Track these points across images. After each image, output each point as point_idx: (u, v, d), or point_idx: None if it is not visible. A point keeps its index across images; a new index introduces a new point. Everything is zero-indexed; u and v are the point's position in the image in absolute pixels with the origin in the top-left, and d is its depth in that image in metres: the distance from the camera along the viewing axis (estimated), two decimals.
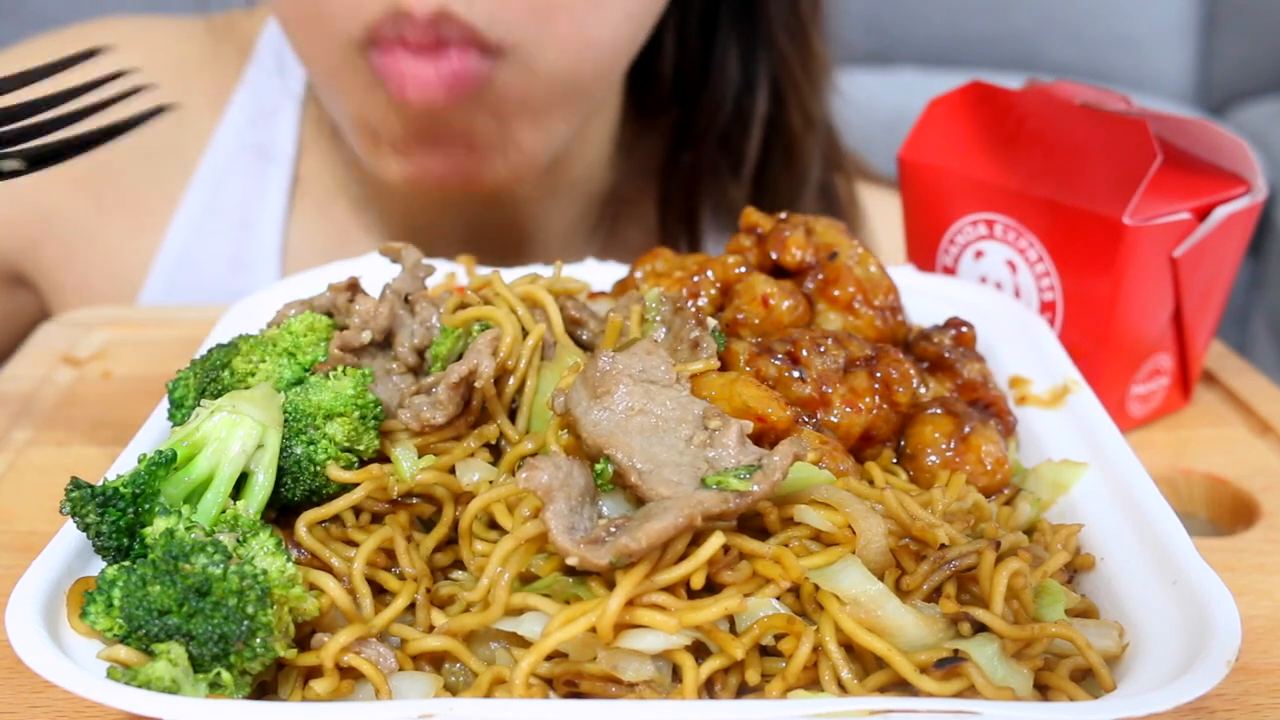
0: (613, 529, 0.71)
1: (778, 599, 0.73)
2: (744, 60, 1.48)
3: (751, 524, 0.76)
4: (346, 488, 0.81)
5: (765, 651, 0.73)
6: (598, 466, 0.75)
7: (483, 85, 1.19)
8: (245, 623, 0.68)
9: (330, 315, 0.94)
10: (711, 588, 0.72)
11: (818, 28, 1.50)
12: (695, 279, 0.98)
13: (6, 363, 1.22)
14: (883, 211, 1.61)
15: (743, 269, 0.99)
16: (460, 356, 0.87)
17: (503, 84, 1.20)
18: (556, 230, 1.53)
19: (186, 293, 1.47)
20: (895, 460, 0.91)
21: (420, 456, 0.83)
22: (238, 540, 0.72)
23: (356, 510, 0.82)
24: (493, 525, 0.79)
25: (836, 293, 0.98)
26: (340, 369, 0.85)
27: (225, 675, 0.68)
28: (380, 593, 0.78)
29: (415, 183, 1.29)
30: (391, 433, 0.84)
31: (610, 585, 0.70)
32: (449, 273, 1.10)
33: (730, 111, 1.49)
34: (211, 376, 0.86)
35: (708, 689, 0.72)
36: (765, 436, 0.82)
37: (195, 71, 1.40)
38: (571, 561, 0.69)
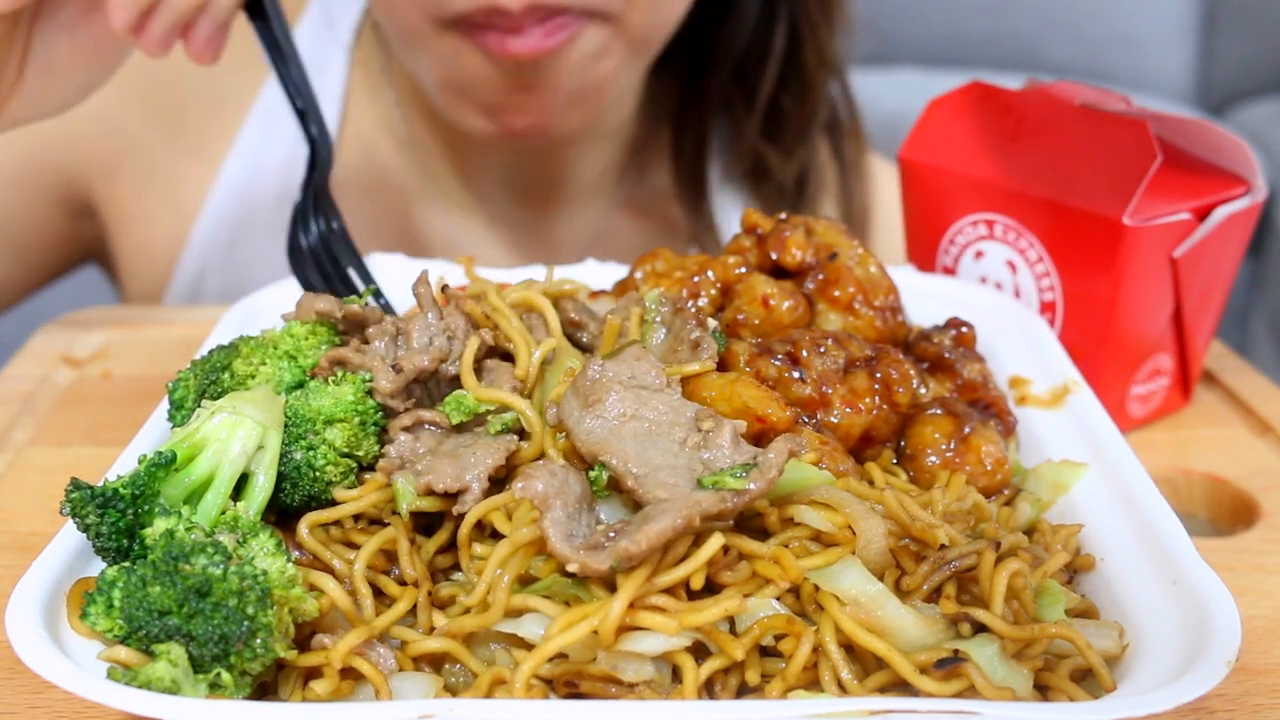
0: (611, 534, 0.71)
1: (778, 599, 0.72)
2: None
3: (751, 525, 0.76)
4: None
5: (765, 652, 0.72)
6: (593, 473, 0.75)
7: (576, 35, 1.29)
8: (245, 623, 0.68)
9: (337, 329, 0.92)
10: (711, 589, 0.72)
11: None
12: (695, 279, 0.98)
13: (8, 362, 1.22)
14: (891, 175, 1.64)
15: (743, 269, 0.99)
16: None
17: (591, 38, 1.30)
18: (588, 176, 1.61)
19: (238, 226, 1.53)
20: (895, 461, 0.91)
21: None
22: (238, 541, 0.72)
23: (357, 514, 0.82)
24: (494, 535, 0.79)
25: (836, 293, 0.98)
26: (340, 374, 0.85)
27: (225, 676, 0.68)
28: (379, 595, 0.78)
29: (496, 137, 1.39)
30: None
31: (610, 586, 0.70)
32: (447, 272, 1.10)
33: (746, 44, 1.56)
34: (212, 378, 0.86)
35: (708, 689, 0.72)
36: (765, 437, 0.82)
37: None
38: (572, 568, 0.69)
